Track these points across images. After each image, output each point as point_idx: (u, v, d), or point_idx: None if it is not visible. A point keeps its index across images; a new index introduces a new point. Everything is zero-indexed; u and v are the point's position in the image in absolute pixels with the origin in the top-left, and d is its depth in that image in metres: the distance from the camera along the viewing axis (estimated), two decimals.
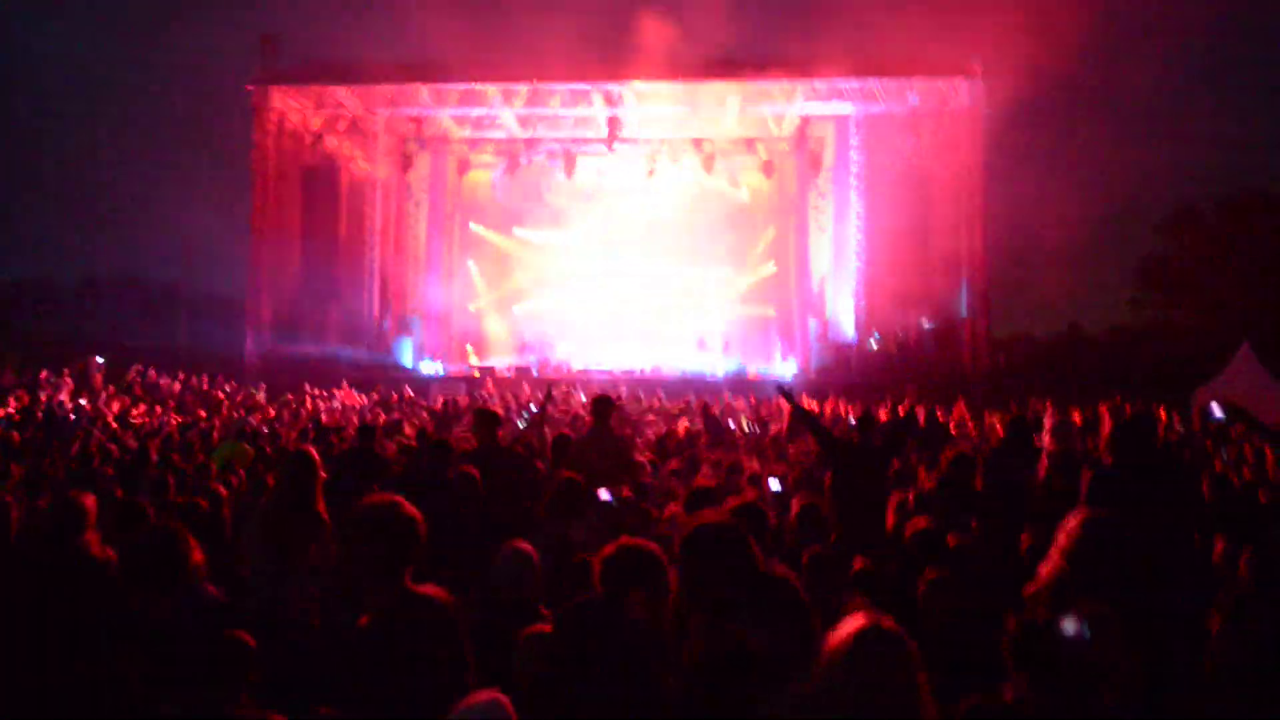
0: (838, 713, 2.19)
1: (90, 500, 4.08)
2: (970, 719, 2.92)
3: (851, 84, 26.02)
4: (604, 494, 5.73)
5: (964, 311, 26.69)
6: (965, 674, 3.33)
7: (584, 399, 20.76)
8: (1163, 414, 13.93)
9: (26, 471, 10.60)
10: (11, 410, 18.57)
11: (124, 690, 3.34)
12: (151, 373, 25.33)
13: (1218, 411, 8.88)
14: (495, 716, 2.51)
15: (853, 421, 10.89)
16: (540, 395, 21.10)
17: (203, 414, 19.39)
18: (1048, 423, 7.37)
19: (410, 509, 3.01)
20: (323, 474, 4.89)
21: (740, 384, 24.26)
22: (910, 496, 6.77)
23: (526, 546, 4.13)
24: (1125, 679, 2.18)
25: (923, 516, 5.24)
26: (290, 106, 27.74)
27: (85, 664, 3.42)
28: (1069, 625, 2.18)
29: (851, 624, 2.27)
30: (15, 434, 15.96)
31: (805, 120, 27.24)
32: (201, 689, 3.11)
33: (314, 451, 4.96)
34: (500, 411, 9.11)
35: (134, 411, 19.99)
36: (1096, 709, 2.20)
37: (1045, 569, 3.20)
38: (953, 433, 14.44)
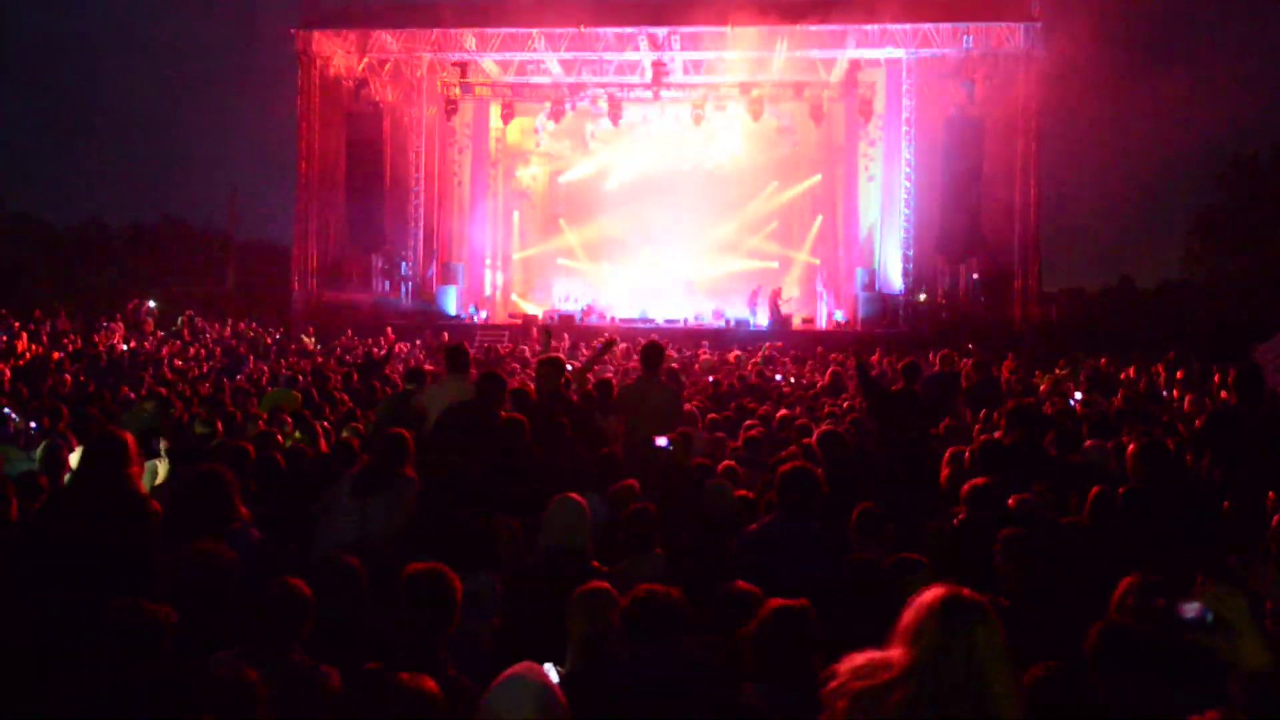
0: (924, 690, 2.08)
1: (129, 436, 4.06)
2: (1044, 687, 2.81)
3: (904, 27, 25.28)
4: (661, 440, 5.64)
5: (1015, 263, 26.13)
6: (1041, 635, 3.23)
7: (624, 347, 20.68)
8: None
9: (83, 416, 10.73)
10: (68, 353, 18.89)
11: (176, 635, 3.33)
12: (200, 319, 25.68)
13: None
14: (533, 686, 2.43)
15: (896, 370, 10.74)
16: (582, 344, 21.08)
17: (251, 359, 19.61)
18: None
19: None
20: (412, 450, 4.89)
21: (784, 335, 24.01)
22: (967, 453, 6.59)
23: (578, 498, 4.05)
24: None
25: (983, 475, 5.08)
26: (334, 51, 27.61)
27: (136, 605, 3.40)
28: (1190, 609, 2.03)
29: (931, 594, 2.16)
30: (68, 377, 16.25)
31: (855, 65, 26.57)
32: (256, 638, 3.08)
33: (408, 434, 4.96)
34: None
35: (182, 356, 20.26)
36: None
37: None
38: (1004, 389, 14.14)
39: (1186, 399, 11.65)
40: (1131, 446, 4.85)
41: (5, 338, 20.28)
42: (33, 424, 8.52)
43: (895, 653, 2.12)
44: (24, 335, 20.34)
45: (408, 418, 7.04)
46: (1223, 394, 11.60)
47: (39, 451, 6.95)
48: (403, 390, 8.65)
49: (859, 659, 2.20)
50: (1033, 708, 2.69)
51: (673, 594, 2.97)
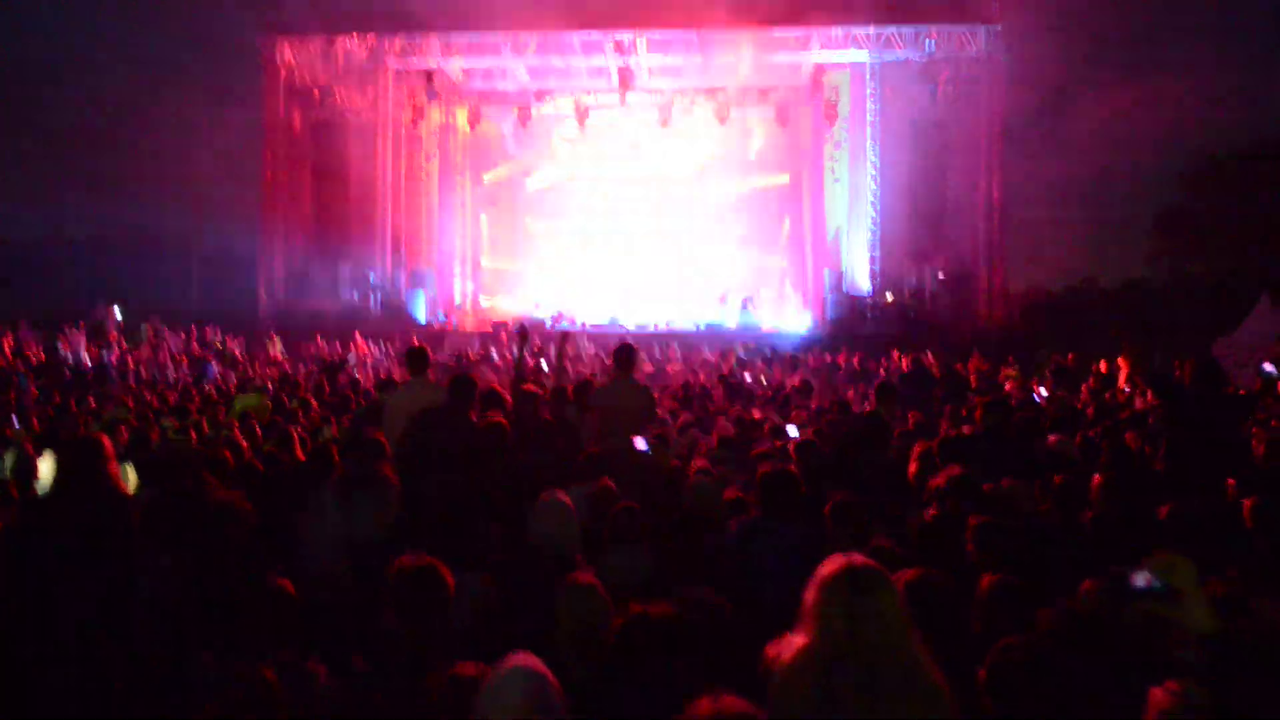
0: (829, 658, 2.16)
1: (105, 438, 4.04)
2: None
3: (867, 30, 25.58)
4: (640, 443, 5.70)
5: (979, 263, 26.47)
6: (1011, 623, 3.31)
7: (593, 352, 20.75)
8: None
9: (49, 425, 10.62)
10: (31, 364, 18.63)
11: (162, 636, 3.34)
12: (165, 328, 25.39)
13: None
14: (530, 679, 2.47)
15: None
16: (551, 347, 21.10)
17: (217, 368, 19.45)
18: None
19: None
20: (389, 452, 4.92)
21: (756, 338, 24.16)
22: (934, 445, 6.71)
23: (565, 497, 4.10)
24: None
25: (956, 464, 5.18)
26: (299, 59, 27.43)
27: (121, 607, 3.41)
28: (1139, 578, 2.12)
29: (830, 565, 2.26)
30: (33, 389, 16.04)
31: (820, 68, 26.81)
32: (242, 637, 3.10)
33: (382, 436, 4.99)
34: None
35: (147, 365, 20.04)
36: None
37: None
38: (972, 384, 14.36)
39: (1148, 394, 11.88)
40: (1097, 479, 4.90)
41: None
42: None
43: (806, 635, 2.20)
44: None
45: (380, 425, 7.06)
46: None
47: (8, 461, 6.90)
48: (376, 399, 8.65)
49: (786, 652, 2.27)
50: (993, 687, 2.70)
51: (667, 613, 2.96)
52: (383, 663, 2.88)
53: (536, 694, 2.42)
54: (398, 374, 16.56)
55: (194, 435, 7.96)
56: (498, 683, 2.45)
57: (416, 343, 20.30)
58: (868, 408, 10.51)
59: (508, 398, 7.06)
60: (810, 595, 2.24)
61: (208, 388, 14.69)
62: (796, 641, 2.28)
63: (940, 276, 27.39)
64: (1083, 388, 13.01)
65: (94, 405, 13.23)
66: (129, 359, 20.77)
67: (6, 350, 20.41)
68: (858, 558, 2.25)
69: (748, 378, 15.54)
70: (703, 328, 25.91)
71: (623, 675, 2.76)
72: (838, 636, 2.17)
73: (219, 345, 24.08)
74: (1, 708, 2.91)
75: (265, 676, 2.62)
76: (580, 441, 6.43)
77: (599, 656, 3.03)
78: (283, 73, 27.28)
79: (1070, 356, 16.22)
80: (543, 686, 2.45)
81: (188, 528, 3.62)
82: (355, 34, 26.92)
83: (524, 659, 2.51)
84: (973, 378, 15.14)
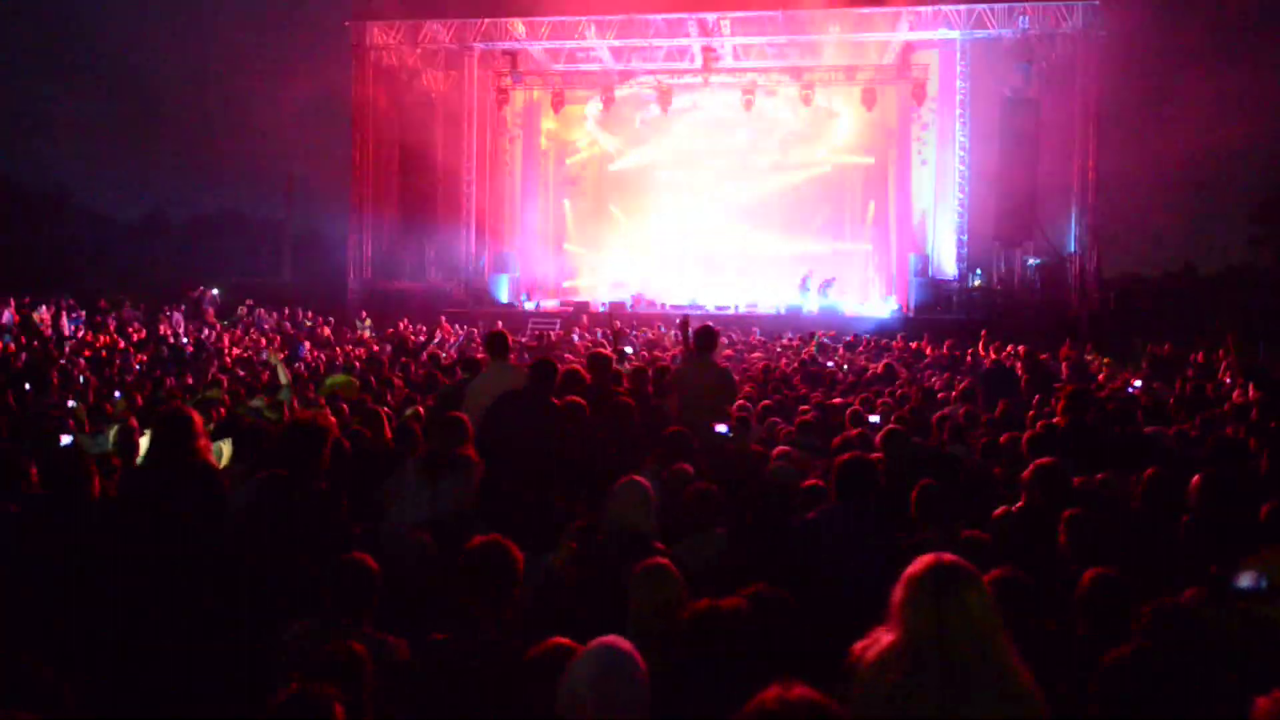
0: (915, 656, 2.14)
1: (196, 414, 4.17)
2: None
3: (958, 8, 24.91)
4: (721, 427, 5.69)
5: (1073, 248, 25.66)
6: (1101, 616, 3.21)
7: (674, 336, 20.71)
8: None
9: (149, 401, 11.04)
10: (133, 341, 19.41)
11: (247, 611, 3.44)
12: (260, 309, 26.22)
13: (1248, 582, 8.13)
14: (616, 657, 2.48)
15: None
16: (633, 330, 21.16)
17: (308, 347, 19.98)
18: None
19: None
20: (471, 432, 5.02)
21: (837, 323, 23.84)
22: (1025, 437, 6.54)
23: (643, 480, 4.11)
24: None
25: (1045, 456, 5.03)
26: (387, 42, 27.92)
27: (210, 576, 3.53)
28: (1242, 578, 2.04)
29: (919, 563, 2.26)
30: (135, 365, 16.70)
31: (908, 47, 26.22)
32: (326, 612, 3.18)
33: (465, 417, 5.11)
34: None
35: (242, 344, 20.71)
36: None
37: None
38: (1063, 374, 13.94)
39: (1249, 386, 11.39)
40: (1196, 478, 4.65)
41: (81, 329, 20.87)
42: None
43: (893, 634, 2.18)
44: (92, 329, 20.94)
45: (461, 406, 7.17)
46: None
47: (112, 435, 7.18)
48: (459, 379, 8.77)
49: (871, 651, 2.25)
50: (1104, 696, 2.70)
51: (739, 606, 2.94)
52: (460, 638, 2.92)
53: (621, 672, 2.43)
54: (481, 355, 16.79)
55: (286, 413, 8.19)
56: (586, 658, 2.47)
57: (501, 327, 20.65)
58: (953, 396, 10.35)
59: (588, 377, 7.10)
60: (898, 593, 2.23)
61: (298, 367, 15.10)
62: (883, 639, 2.26)
63: (1031, 261, 26.65)
64: (1178, 379, 12.53)
65: (191, 382, 13.74)
66: (225, 338, 21.49)
67: (111, 329, 21.30)
68: (948, 556, 2.22)
69: (830, 364, 15.33)
70: (784, 311, 25.67)
71: (692, 667, 2.77)
72: (924, 635, 2.15)
73: (309, 324, 24.74)
74: (98, 671, 3.03)
75: (353, 649, 2.68)
76: (663, 422, 6.44)
77: (671, 642, 3.03)
78: (371, 56, 27.82)
79: (1167, 346, 15.62)
80: (627, 665, 2.46)
81: (279, 505, 3.72)
82: (441, 18, 27.28)
83: (613, 639, 2.53)
84: (1064, 366, 14.69)
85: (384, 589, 3.26)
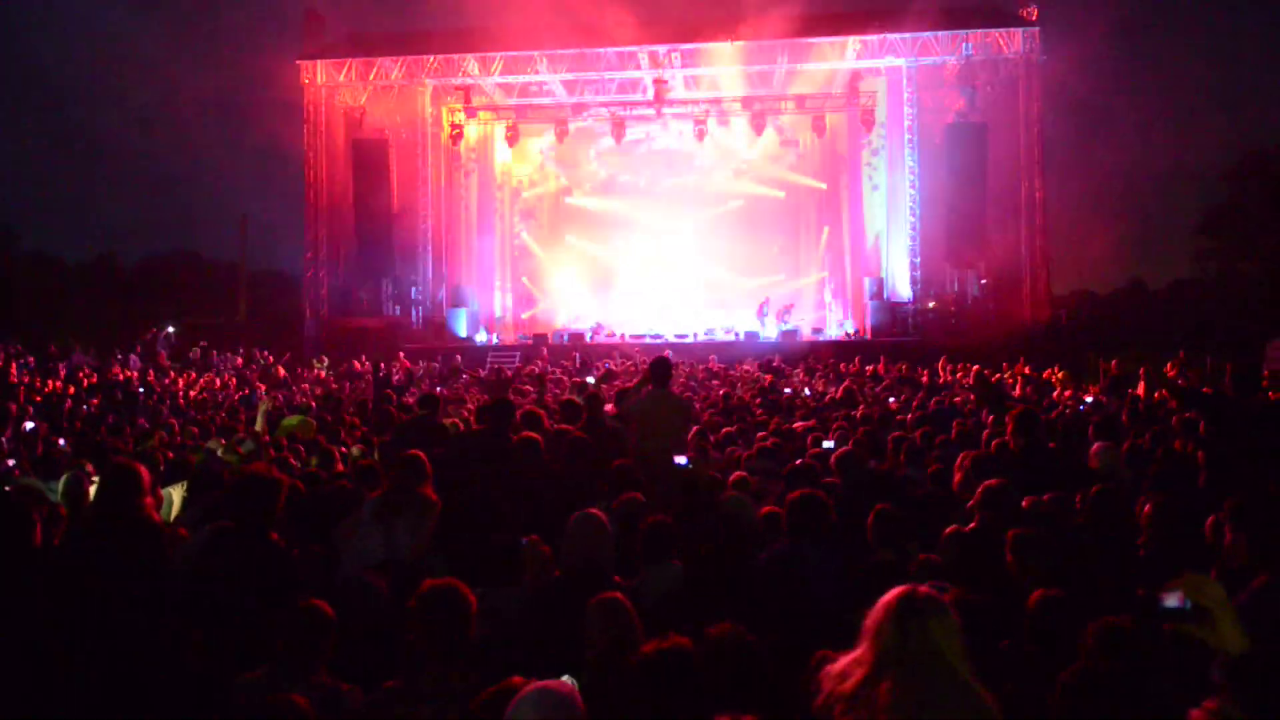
0: (878, 668, 2.29)
1: (142, 467, 4.14)
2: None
3: (903, 36, 25.47)
4: (680, 459, 5.72)
5: (1023, 267, 26.15)
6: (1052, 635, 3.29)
7: (632, 367, 20.79)
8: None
9: (98, 448, 10.84)
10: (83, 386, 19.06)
11: (199, 660, 3.39)
12: (213, 350, 25.88)
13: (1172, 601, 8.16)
14: (556, 699, 2.48)
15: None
16: (592, 362, 21.19)
17: (263, 388, 19.75)
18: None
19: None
20: (430, 471, 4.99)
21: (796, 348, 24.04)
22: (981, 456, 6.64)
23: (599, 514, 4.12)
24: None
25: (996, 477, 5.12)
26: (338, 80, 27.91)
27: (154, 632, 3.48)
28: (1169, 599, 2.12)
29: (891, 593, 2.38)
30: (84, 410, 16.40)
31: (856, 75, 26.71)
32: (276, 662, 3.14)
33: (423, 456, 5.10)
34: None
35: (196, 387, 20.42)
36: None
37: None
38: (1015, 393, 14.18)
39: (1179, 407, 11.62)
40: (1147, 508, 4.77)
41: (28, 375, 20.46)
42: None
43: (861, 651, 2.30)
44: (43, 375, 20.55)
45: (425, 441, 7.14)
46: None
47: (60, 483, 7.05)
48: (418, 415, 8.73)
49: (837, 665, 2.36)
50: (1060, 711, 2.93)
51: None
52: (413, 681, 2.91)
53: (559, 715, 2.44)
54: (442, 391, 16.71)
55: (240, 455, 8.10)
56: (524, 702, 2.47)
57: (461, 360, 20.52)
58: (910, 417, 10.47)
59: (544, 415, 7.11)
60: (870, 616, 2.38)
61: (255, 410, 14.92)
62: (850, 655, 2.38)
63: (982, 281, 27.11)
64: (1129, 394, 12.78)
65: (146, 426, 13.52)
66: (179, 381, 21.17)
67: (60, 374, 20.92)
68: (922, 588, 2.38)
69: (788, 390, 15.45)
70: (742, 338, 25.84)
71: (644, 703, 2.79)
72: (887, 647, 2.28)
73: (265, 365, 24.46)
74: None
75: (294, 701, 2.66)
76: (619, 450, 6.45)
77: (627, 678, 3.04)
78: (322, 94, 27.78)
79: (1114, 363, 15.95)
80: (566, 708, 2.46)
81: (229, 558, 3.68)
82: (393, 55, 27.34)
83: (553, 682, 2.53)
84: (1018, 384, 14.93)
85: (338, 635, 3.24)
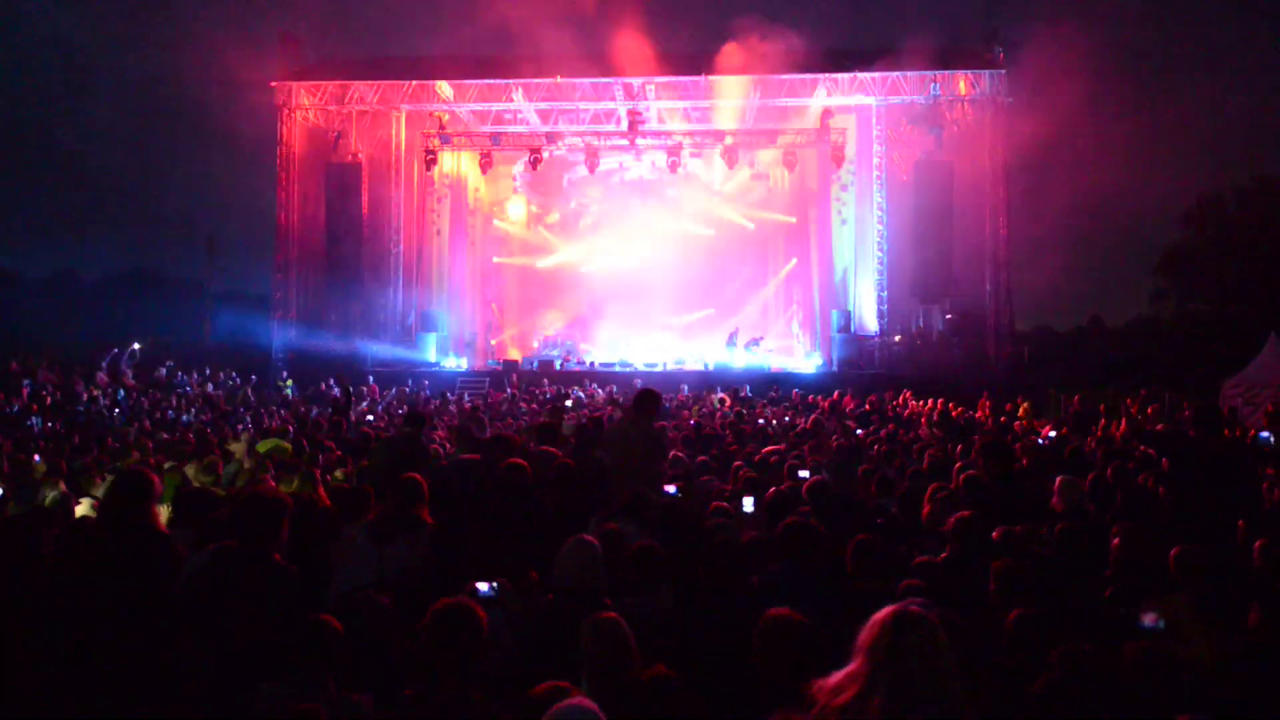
0: (870, 679, 2.39)
1: (154, 475, 4.16)
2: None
3: (873, 75, 26.06)
4: (670, 488, 5.88)
5: (986, 303, 26.67)
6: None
7: (603, 396, 20.92)
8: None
9: (69, 467, 10.76)
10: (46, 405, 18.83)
11: (210, 675, 3.47)
12: (179, 370, 25.61)
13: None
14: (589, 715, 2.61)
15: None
16: (563, 390, 21.29)
17: (228, 409, 19.63)
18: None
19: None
20: (426, 494, 5.11)
21: (764, 378, 24.30)
22: (951, 488, 6.84)
23: (591, 539, 4.25)
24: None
25: (968, 509, 5.32)
26: (313, 104, 27.96)
27: (166, 647, 3.54)
28: (1143, 619, 2.29)
29: (883, 611, 2.49)
30: (49, 428, 16.23)
31: (827, 112, 27.21)
32: (291, 674, 3.23)
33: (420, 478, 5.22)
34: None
35: (162, 407, 20.25)
36: None
37: None
38: (987, 425, 14.47)
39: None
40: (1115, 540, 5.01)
41: None
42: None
43: (855, 666, 2.43)
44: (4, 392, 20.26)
45: (410, 459, 7.25)
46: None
47: (48, 501, 7.06)
48: (401, 434, 8.82)
49: (831, 679, 2.49)
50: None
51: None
52: (426, 693, 3.01)
53: None
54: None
55: (218, 477, 8.13)
56: (557, 716, 2.58)
57: (429, 386, 20.47)
58: (880, 449, 10.68)
59: (522, 442, 7.23)
60: (864, 631, 2.49)
61: (226, 432, 14.87)
62: (843, 671, 2.49)
63: (947, 316, 27.59)
64: (1091, 428, 13.12)
65: (114, 446, 13.41)
66: (143, 401, 20.97)
67: (23, 393, 20.64)
68: (913, 605, 2.50)
69: (759, 421, 15.63)
70: (712, 368, 26.06)
71: None
72: (879, 661, 2.39)
73: (233, 386, 24.27)
74: None
75: (316, 711, 2.76)
76: (600, 475, 6.59)
77: (626, 694, 3.16)
78: (297, 116, 27.82)
79: (1076, 399, 16.33)
80: None
81: (235, 576, 3.75)
82: (369, 79, 27.46)
83: (582, 701, 2.65)
84: (984, 417, 15.24)
85: (344, 649, 3.34)
